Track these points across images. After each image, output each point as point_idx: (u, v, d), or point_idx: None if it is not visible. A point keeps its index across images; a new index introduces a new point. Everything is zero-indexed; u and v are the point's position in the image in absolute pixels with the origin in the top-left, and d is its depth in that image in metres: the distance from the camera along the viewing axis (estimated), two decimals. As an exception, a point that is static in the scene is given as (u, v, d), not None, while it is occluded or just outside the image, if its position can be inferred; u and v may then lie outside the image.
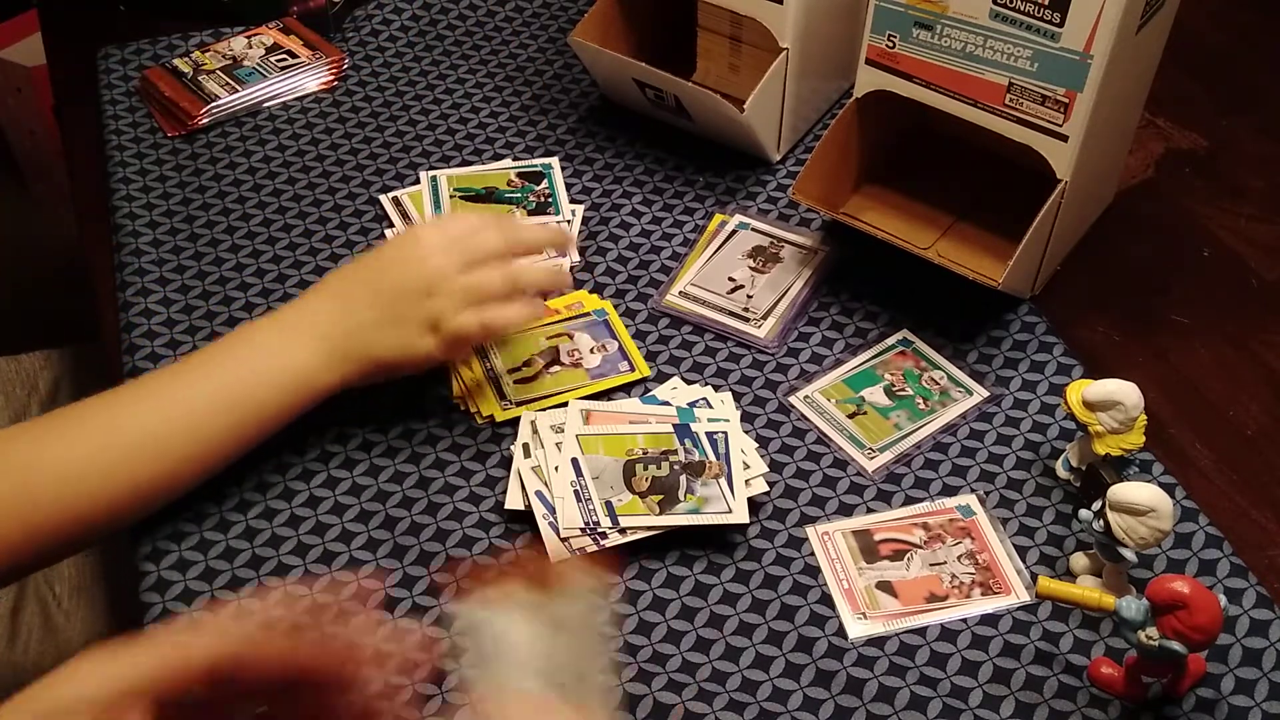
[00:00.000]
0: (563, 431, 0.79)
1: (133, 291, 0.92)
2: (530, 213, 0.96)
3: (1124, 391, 0.73)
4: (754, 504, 0.77)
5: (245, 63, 1.09)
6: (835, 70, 1.02)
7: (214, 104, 1.05)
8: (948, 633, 0.72)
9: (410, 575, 0.76)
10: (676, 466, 0.77)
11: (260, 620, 0.53)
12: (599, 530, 0.74)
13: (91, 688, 0.50)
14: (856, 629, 0.72)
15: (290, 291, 0.92)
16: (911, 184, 0.94)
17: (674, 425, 0.80)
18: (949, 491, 0.79)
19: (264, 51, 1.11)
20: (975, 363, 0.86)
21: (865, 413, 0.83)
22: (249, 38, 1.12)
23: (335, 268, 0.84)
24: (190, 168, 1.02)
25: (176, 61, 1.09)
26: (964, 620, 0.72)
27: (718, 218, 0.96)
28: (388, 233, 0.95)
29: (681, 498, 0.76)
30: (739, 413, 0.81)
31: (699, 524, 0.75)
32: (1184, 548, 0.75)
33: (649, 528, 0.75)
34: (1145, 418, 0.74)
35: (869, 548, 0.76)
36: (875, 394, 0.84)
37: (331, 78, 1.10)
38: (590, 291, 0.91)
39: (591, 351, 0.86)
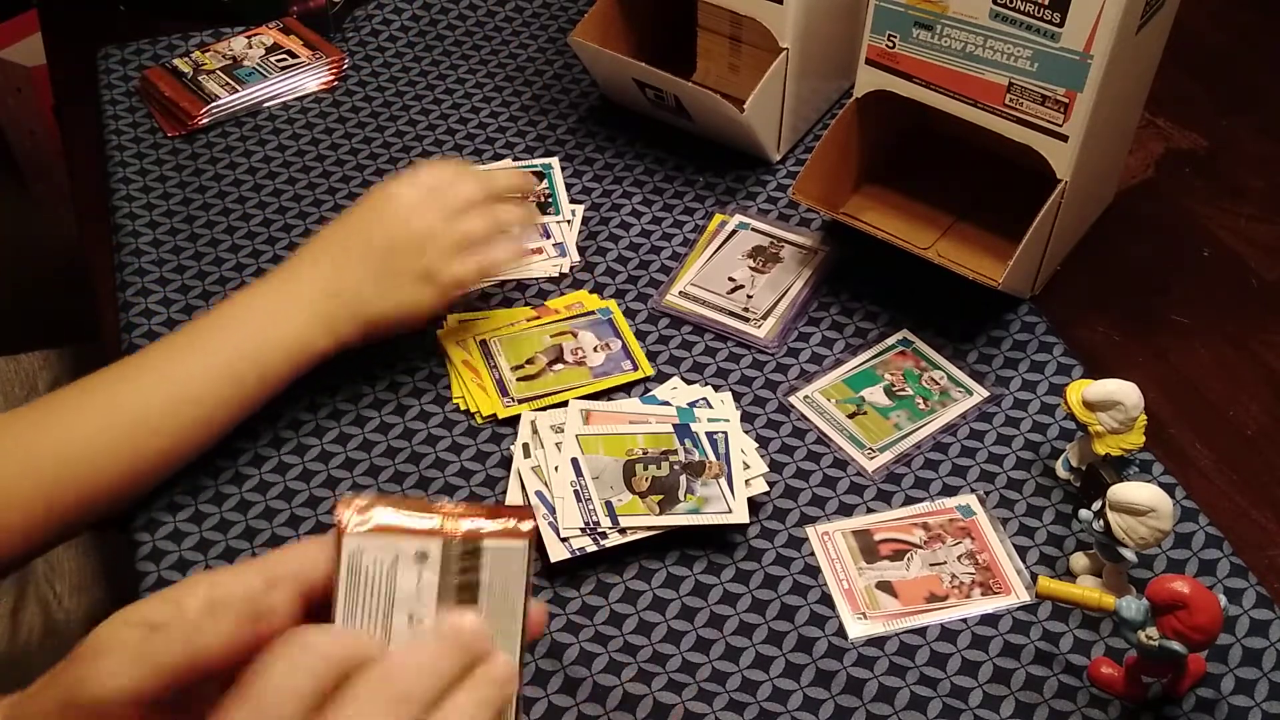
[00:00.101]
0: (563, 431, 0.79)
1: (133, 291, 0.92)
2: (530, 213, 0.97)
3: (1124, 391, 0.73)
4: (754, 504, 0.77)
5: (245, 63, 1.09)
6: (835, 70, 1.02)
7: (214, 104, 1.05)
8: (948, 633, 0.72)
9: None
10: (676, 466, 0.77)
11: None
12: (599, 530, 0.74)
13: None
14: (856, 629, 0.72)
15: (290, 291, 0.92)
16: (911, 184, 0.94)
17: (674, 425, 0.80)
18: (949, 491, 0.79)
19: (264, 51, 1.11)
20: (975, 363, 0.86)
21: (865, 413, 0.83)
22: (249, 38, 1.12)
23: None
24: (190, 168, 1.02)
25: (176, 61, 1.09)
26: (964, 620, 0.72)
27: (718, 218, 0.96)
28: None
29: (681, 498, 0.76)
30: (739, 413, 0.81)
31: (699, 524, 0.75)
32: (1184, 548, 0.75)
33: (649, 528, 0.75)
34: (1145, 418, 0.74)
35: (869, 548, 0.76)
36: (875, 394, 0.84)
37: (331, 78, 1.10)
38: (590, 291, 0.91)
39: (595, 350, 0.86)
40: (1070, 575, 0.74)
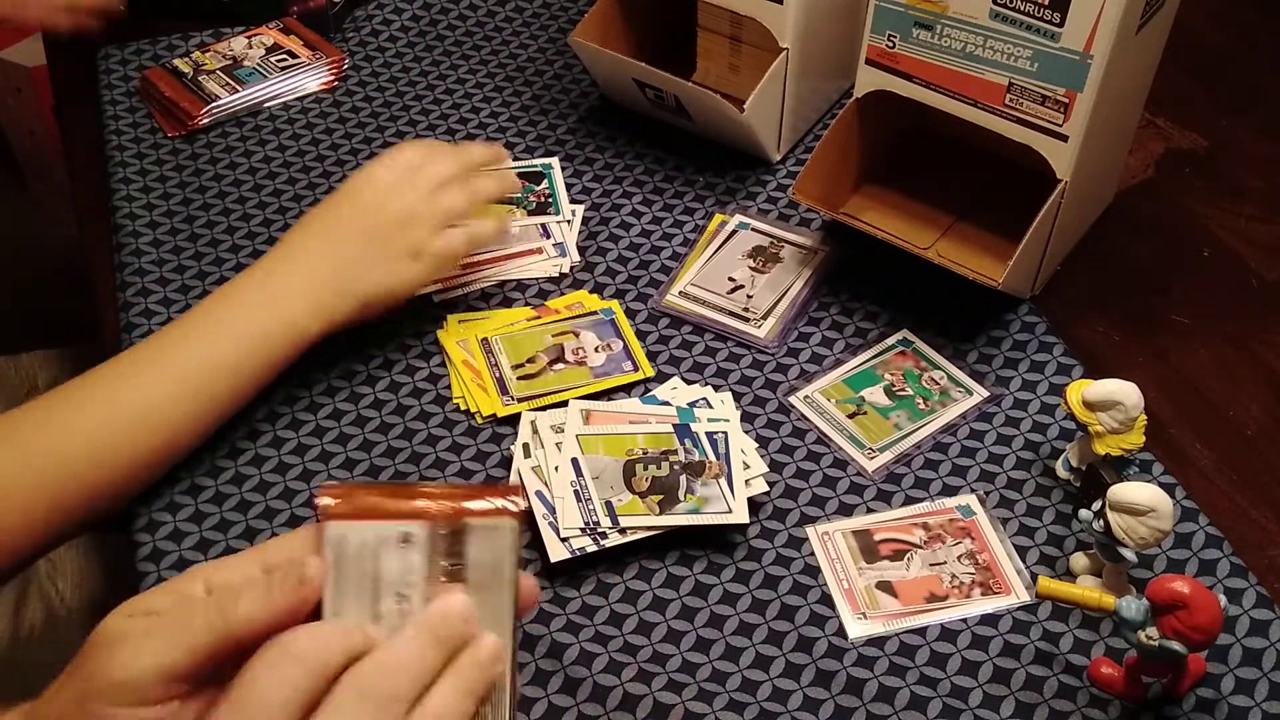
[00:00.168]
0: (563, 431, 0.79)
1: (133, 291, 0.92)
2: (530, 213, 0.97)
3: (1124, 391, 0.73)
4: (754, 504, 0.77)
5: (245, 63, 1.09)
6: (835, 70, 1.02)
7: (214, 104, 1.05)
8: (948, 633, 0.72)
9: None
10: (676, 466, 0.77)
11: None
12: (599, 530, 0.74)
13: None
14: (856, 629, 0.72)
15: (290, 291, 0.92)
16: (911, 184, 0.94)
17: (674, 425, 0.80)
18: (949, 491, 0.79)
19: (264, 51, 1.11)
20: (975, 363, 0.86)
21: (865, 413, 0.83)
22: (249, 38, 1.12)
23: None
24: (190, 168, 1.02)
25: (176, 61, 1.09)
26: (964, 620, 0.72)
27: (718, 218, 0.96)
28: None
29: (681, 498, 0.76)
30: (739, 413, 0.81)
31: (699, 524, 0.75)
32: (1184, 548, 0.75)
33: (649, 528, 0.75)
34: (1145, 418, 0.74)
35: (869, 548, 0.76)
36: (875, 394, 0.84)
37: (331, 78, 1.10)
38: (590, 291, 0.91)
39: (596, 350, 0.86)
40: (1070, 575, 0.74)
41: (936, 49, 0.82)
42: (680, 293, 0.91)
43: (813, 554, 0.76)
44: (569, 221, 0.96)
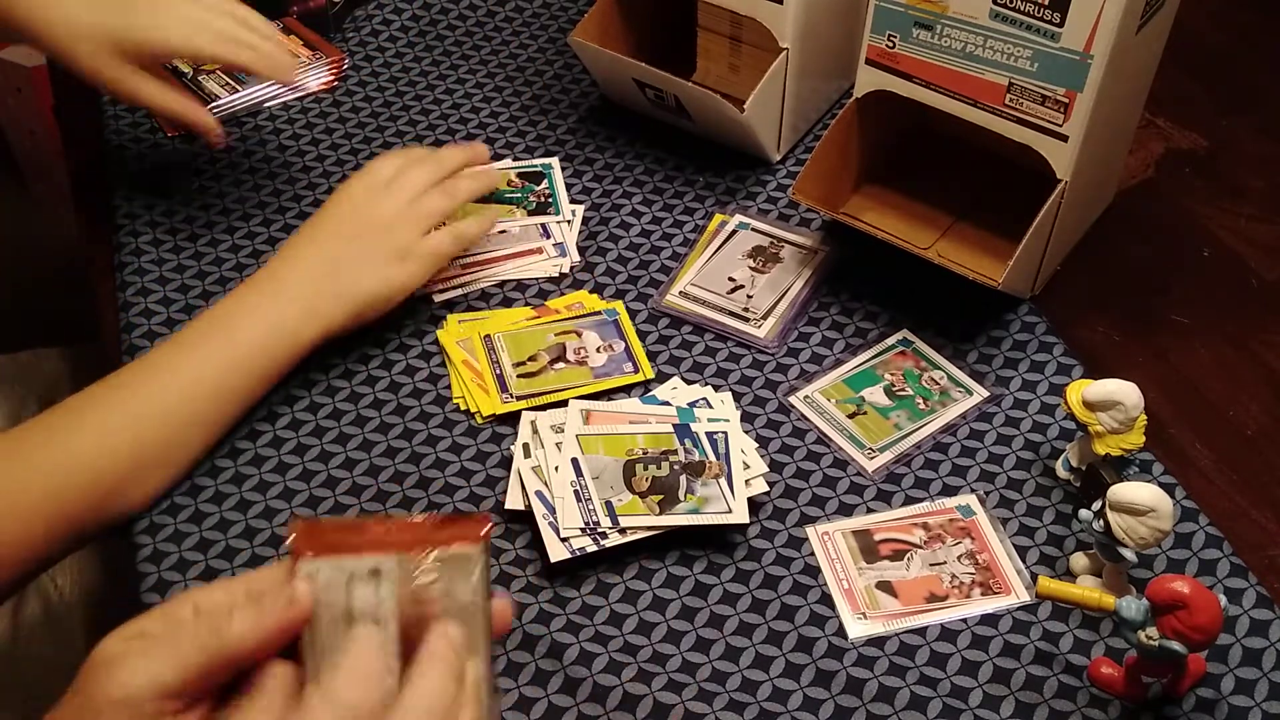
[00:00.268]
0: (563, 431, 0.79)
1: (133, 291, 0.92)
2: (530, 213, 0.97)
3: (1124, 391, 0.73)
4: (754, 504, 0.77)
5: (245, 63, 1.09)
6: (835, 70, 1.02)
7: (214, 104, 1.05)
8: (948, 633, 0.72)
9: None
10: (676, 466, 0.77)
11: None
12: (599, 530, 0.74)
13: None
14: (856, 629, 0.72)
15: (290, 291, 0.92)
16: (911, 184, 0.94)
17: (674, 425, 0.80)
18: (949, 491, 0.79)
19: (264, 51, 1.10)
20: (975, 363, 0.86)
21: (865, 413, 0.83)
22: None
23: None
24: (190, 168, 1.02)
25: (177, 61, 1.09)
26: (964, 620, 0.72)
27: (718, 218, 0.96)
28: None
29: (681, 498, 0.76)
30: (739, 413, 0.81)
31: (699, 524, 0.75)
32: (1184, 548, 0.75)
33: (649, 528, 0.75)
34: (1145, 418, 0.74)
35: (869, 548, 0.76)
36: (875, 394, 0.84)
37: (331, 78, 1.10)
38: (590, 291, 0.91)
39: (598, 350, 0.86)
40: (1070, 575, 0.74)
41: (936, 49, 0.82)
42: (680, 293, 0.91)
43: (813, 554, 0.76)
44: (569, 221, 0.96)
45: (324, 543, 0.53)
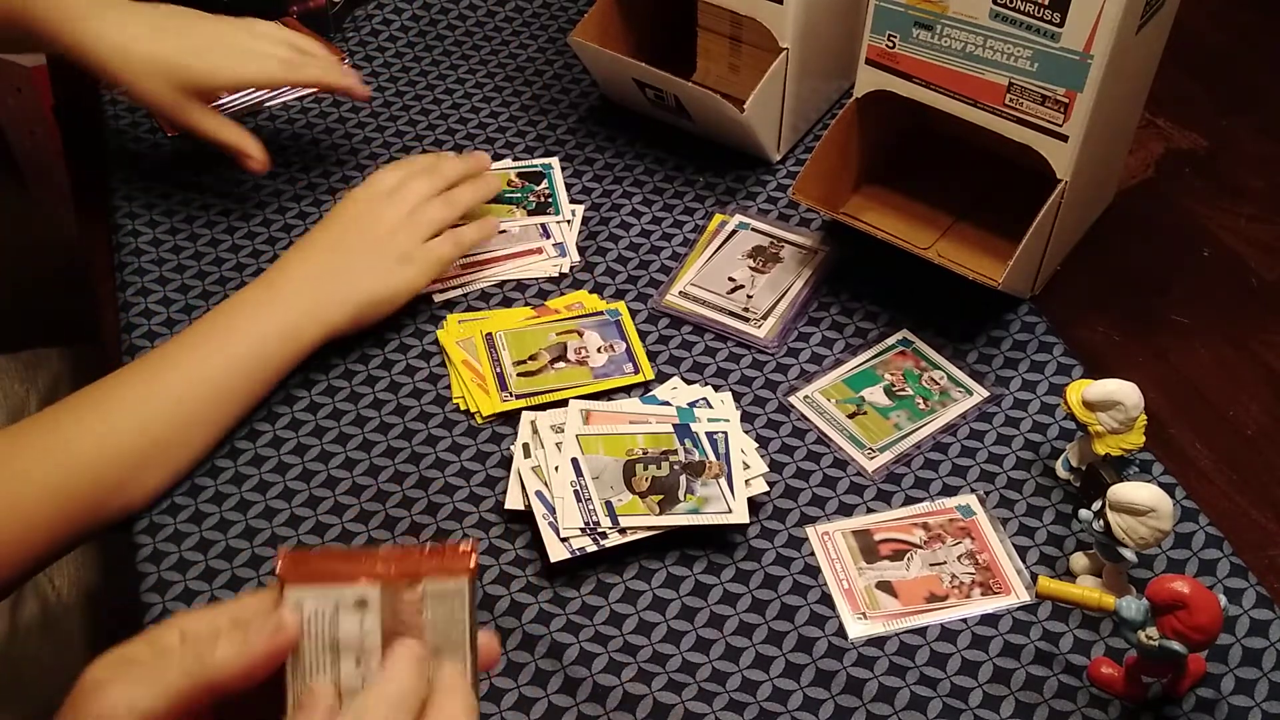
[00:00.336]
0: (563, 431, 0.79)
1: (133, 291, 0.92)
2: (530, 213, 0.97)
3: (1124, 391, 0.73)
4: (754, 504, 0.77)
5: (245, 63, 1.09)
6: (835, 70, 1.02)
7: (214, 104, 1.05)
8: (948, 633, 0.72)
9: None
10: (676, 466, 0.77)
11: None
12: (599, 530, 0.74)
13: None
14: (856, 629, 0.72)
15: (290, 291, 0.92)
16: (911, 184, 0.94)
17: (674, 425, 0.80)
18: (949, 491, 0.79)
19: (264, 51, 1.10)
20: (975, 363, 0.86)
21: (865, 413, 0.83)
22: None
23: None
24: (190, 168, 1.02)
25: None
26: (964, 620, 0.72)
27: (718, 218, 0.96)
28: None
29: (681, 498, 0.76)
30: (739, 413, 0.81)
31: (699, 524, 0.75)
32: (1184, 548, 0.75)
33: (649, 528, 0.75)
34: (1145, 418, 0.74)
35: (869, 548, 0.76)
36: (875, 394, 0.84)
37: (331, 78, 1.10)
38: (590, 291, 0.91)
39: (599, 351, 0.86)
40: (1070, 575, 0.74)
41: (936, 49, 0.82)
42: (680, 293, 0.91)
43: (813, 554, 0.76)
44: (569, 221, 0.96)
45: (310, 572, 0.53)
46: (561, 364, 0.85)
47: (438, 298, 0.91)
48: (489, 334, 0.87)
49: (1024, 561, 0.75)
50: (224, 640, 0.52)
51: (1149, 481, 0.74)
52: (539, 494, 0.76)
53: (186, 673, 0.51)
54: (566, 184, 1.00)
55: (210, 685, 0.51)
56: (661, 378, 0.85)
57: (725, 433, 0.79)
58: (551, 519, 0.75)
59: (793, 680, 0.70)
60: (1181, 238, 0.95)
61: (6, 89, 1.76)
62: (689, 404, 0.82)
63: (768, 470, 0.79)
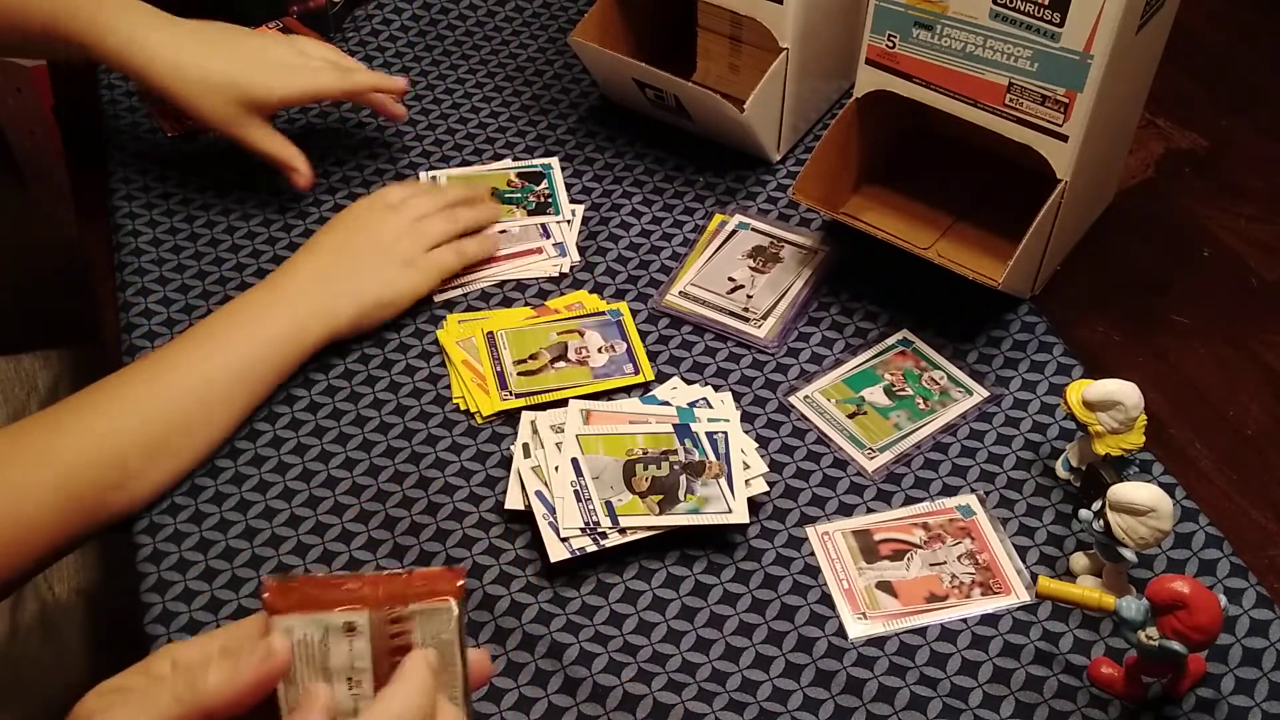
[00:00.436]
0: (563, 431, 0.79)
1: (133, 291, 0.92)
2: (530, 213, 0.97)
3: (1124, 391, 0.73)
4: (754, 504, 0.77)
5: (245, 63, 1.09)
6: (835, 70, 1.02)
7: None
8: (948, 633, 0.72)
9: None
10: (676, 466, 0.77)
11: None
12: (599, 530, 0.74)
13: None
14: (856, 629, 0.72)
15: (290, 291, 0.92)
16: (911, 184, 0.94)
17: (674, 425, 0.80)
18: (949, 491, 0.79)
19: (264, 51, 1.10)
20: (975, 363, 0.86)
21: (865, 413, 0.83)
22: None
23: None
24: (190, 168, 1.02)
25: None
26: (964, 620, 0.72)
27: (718, 218, 0.96)
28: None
29: (681, 498, 0.76)
30: (739, 413, 0.81)
31: (699, 524, 0.75)
32: (1184, 548, 0.75)
33: (649, 528, 0.75)
34: (1145, 418, 0.74)
35: (869, 548, 0.76)
36: (875, 394, 0.84)
37: (331, 78, 1.10)
38: (590, 291, 0.91)
39: (599, 351, 0.86)
40: (1070, 575, 0.74)
41: (936, 49, 0.82)
42: (680, 293, 0.91)
43: (813, 554, 0.76)
44: (569, 221, 0.96)
45: (297, 599, 0.53)
46: (562, 364, 0.85)
47: (438, 298, 0.91)
48: (490, 333, 0.87)
49: (1024, 561, 0.75)
50: (215, 667, 0.52)
51: (1149, 481, 0.74)
52: (539, 494, 0.76)
53: (179, 699, 0.52)
54: (566, 184, 1.00)
55: (203, 712, 0.52)
56: (661, 378, 0.85)
57: (725, 433, 0.79)
58: (551, 519, 0.75)
59: (793, 680, 0.70)
60: (1181, 238, 0.95)
61: (6, 89, 1.76)
62: (689, 404, 0.82)
63: (768, 470, 0.79)
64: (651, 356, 0.87)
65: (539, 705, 0.70)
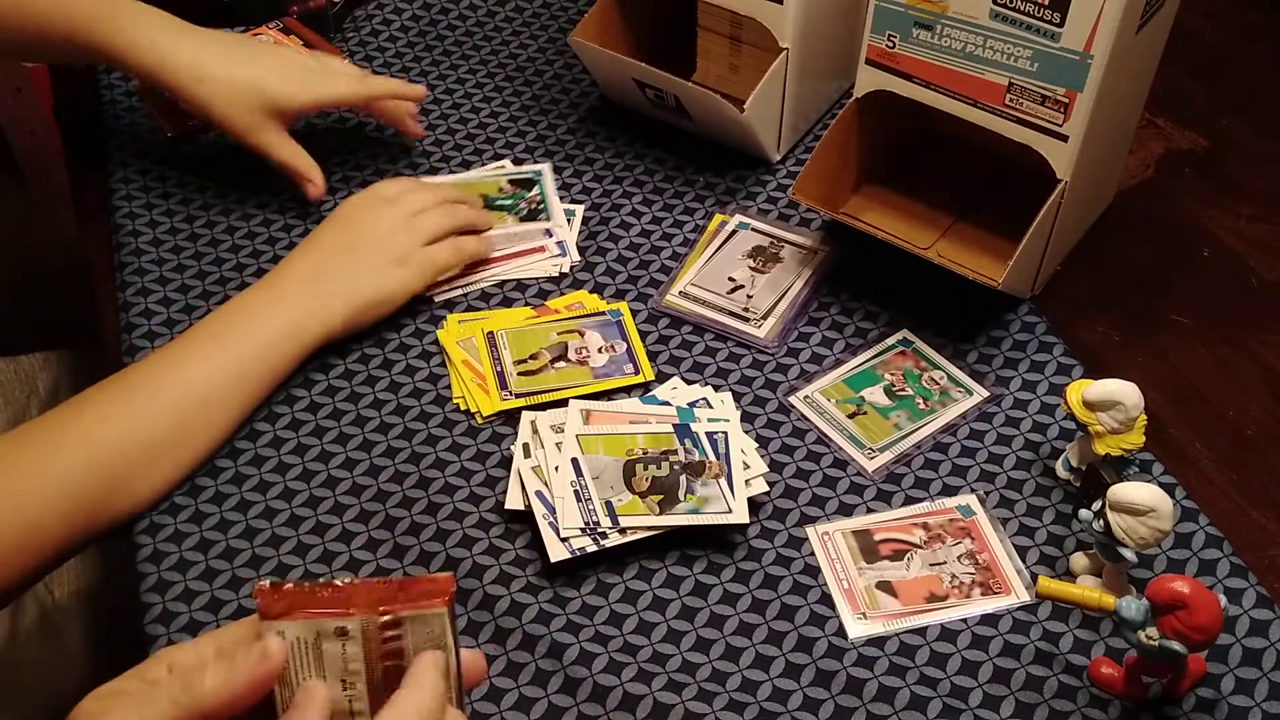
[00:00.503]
0: (563, 431, 0.79)
1: (133, 291, 0.92)
2: (522, 219, 0.96)
3: (1124, 391, 0.73)
4: (754, 504, 0.77)
5: (245, 63, 1.09)
6: (835, 70, 1.02)
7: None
8: (948, 633, 0.72)
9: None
10: (676, 466, 0.77)
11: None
12: (599, 530, 0.74)
13: None
14: (856, 629, 0.72)
15: (290, 291, 0.92)
16: (911, 184, 0.94)
17: (674, 425, 0.80)
18: (949, 491, 0.79)
19: (264, 51, 1.10)
20: (975, 363, 0.86)
21: (865, 413, 0.83)
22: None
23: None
24: (190, 168, 1.02)
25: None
26: (964, 620, 0.72)
27: (718, 218, 0.96)
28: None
29: (681, 498, 0.76)
30: (739, 413, 0.81)
31: (699, 524, 0.75)
32: (1184, 548, 0.75)
33: (649, 528, 0.75)
34: (1145, 418, 0.74)
35: (869, 548, 0.76)
36: (875, 394, 0.84)
37: (331, 78, 1.10)
38: (590, 291, 0.91)
39: (599, 351, 0.86)
40: (1070, 575, 0.74)
41: (936, 49, 0.82)
42: (680, 293, 0.91)
43: (813, 554, 0.76)
44: (569, 222, 0.96)
45: (289, 605, 0.54)
46: (562, 363, 0.85)
47: (438, 298, 0.91)
48: (490, 332, 0.87)
49: (1024, 561, 0.75)
50: (211, 670, 0.53)
51: (1149, 481, 0.74)
52: (539, 494, 0.76)
53: (176, 702, 0.52)
54: (566, 184, 1.00)
55: (200, 714, 0.52)
56: (661, 378, 0.85)
57: (725, 433, 0.79)
58: (551, 519, 0.75)
59: (793, 680, 0.70)
60: (1181, 238, 0.95)
61: (6, 89, 1.76)
62: (689, 404, 0.82)
63: (768, 470, 0.79)
64: (651, 356, 0.87)
65: (539, 705, 0.70)
